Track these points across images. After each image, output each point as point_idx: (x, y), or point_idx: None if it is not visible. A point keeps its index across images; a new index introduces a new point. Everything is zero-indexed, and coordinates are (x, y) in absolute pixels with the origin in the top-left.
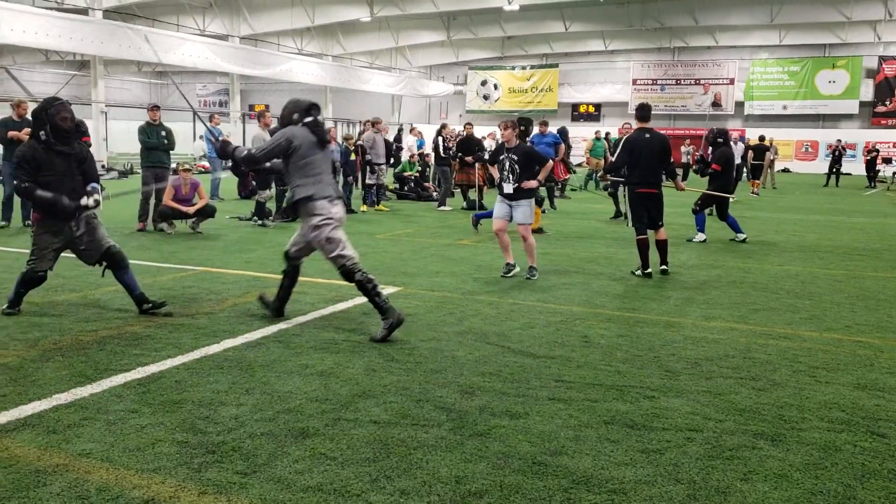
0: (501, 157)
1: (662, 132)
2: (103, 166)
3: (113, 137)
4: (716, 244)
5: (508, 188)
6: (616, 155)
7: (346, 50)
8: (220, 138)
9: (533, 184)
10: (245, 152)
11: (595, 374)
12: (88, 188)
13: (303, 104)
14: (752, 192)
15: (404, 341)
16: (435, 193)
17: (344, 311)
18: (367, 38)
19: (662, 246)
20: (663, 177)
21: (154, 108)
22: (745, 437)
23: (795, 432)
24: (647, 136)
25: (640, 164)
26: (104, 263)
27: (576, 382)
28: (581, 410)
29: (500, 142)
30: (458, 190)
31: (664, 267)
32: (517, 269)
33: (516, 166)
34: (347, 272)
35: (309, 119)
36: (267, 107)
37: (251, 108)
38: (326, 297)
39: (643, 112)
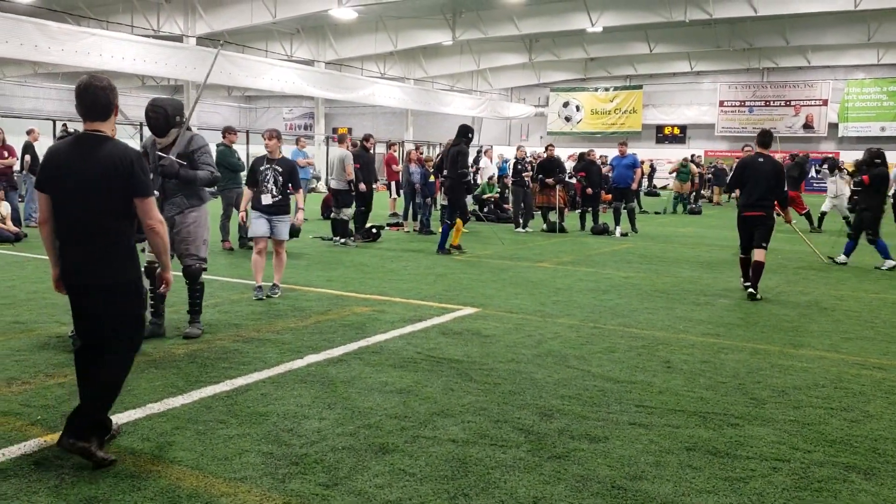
0: (263, 168)
1: (777, 158)
2: None
3: None
4: (806, 271)
5: (268, 200)
6: (729, 178)
7: (428, 73)
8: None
9: (300, 216)
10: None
11: (677, 400)
12: None
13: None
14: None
15: (482, 363)
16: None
17: (423, 331)
18: (448, 61)
19: (757, 268)
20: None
21: (232, 131)
22: (835, 469)
23: (891, 466)
24: (761, 159)
25: (748, 187)
26: None
27: (657, 408)
28: (662, 436)
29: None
30: (539, 212)
31: (753, 291)
32: (262, 294)
33: (280, 178)
34: (199, 272)
35: None
36: (350, 130)
37: (335, 130)
38: (405, 316)
39: (763, 138)
